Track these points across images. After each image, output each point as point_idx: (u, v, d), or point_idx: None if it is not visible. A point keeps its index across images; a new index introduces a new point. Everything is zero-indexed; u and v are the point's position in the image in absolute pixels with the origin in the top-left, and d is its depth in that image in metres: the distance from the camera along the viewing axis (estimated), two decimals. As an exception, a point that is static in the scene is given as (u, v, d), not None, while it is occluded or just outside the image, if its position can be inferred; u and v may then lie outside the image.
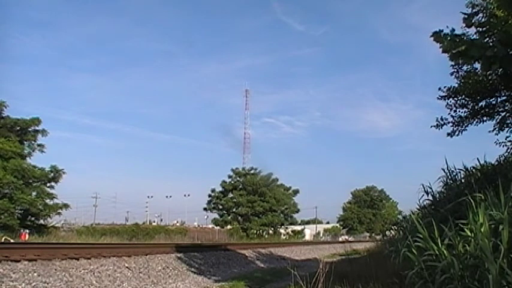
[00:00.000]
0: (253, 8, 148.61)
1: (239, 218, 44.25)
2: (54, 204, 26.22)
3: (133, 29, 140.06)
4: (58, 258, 9.68)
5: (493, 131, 9.19)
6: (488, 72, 7.92)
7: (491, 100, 8.88)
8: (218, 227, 46.92)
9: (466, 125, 9.28)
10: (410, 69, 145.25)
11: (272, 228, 46.46)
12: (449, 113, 9.39)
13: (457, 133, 9.44)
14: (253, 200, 43.53)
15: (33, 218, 25.64)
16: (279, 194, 45.51)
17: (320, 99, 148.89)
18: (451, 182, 7.68)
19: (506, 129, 9.00)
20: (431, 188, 7.57)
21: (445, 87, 9.24)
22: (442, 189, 7.88)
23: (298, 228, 57.32)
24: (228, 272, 14.39)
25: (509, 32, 6.10)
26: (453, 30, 6.42)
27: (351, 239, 57.09)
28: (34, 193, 25.46)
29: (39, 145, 27.37)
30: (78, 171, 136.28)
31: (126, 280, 10.10)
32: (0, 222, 22.50)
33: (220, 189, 45.62)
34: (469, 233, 4.40)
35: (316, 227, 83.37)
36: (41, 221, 26.31)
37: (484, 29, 6.70)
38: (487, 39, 6.63)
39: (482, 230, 4.21)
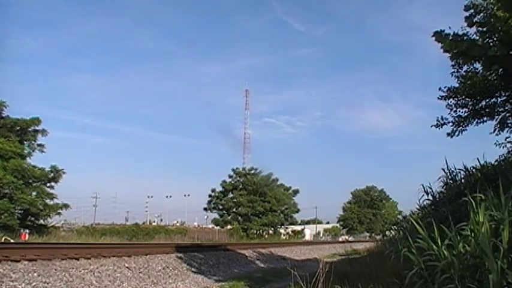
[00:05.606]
0: (253, 7, 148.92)
1: (239, 218, 44.20)
2: (54, 204, 26.22)
3: (133, 28, 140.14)
4: (58, 258, 9.68)
5: (493, 132, 9.19)
6: (488, 72, 7.94)
7: (491, 100, 8.88)
8: (218, 227, 46.85)
9: (466, 125, 9.28)
10: (410, 69, 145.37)
11: (272, 228, 46.45)
12: (449, 113, 9.41)
13: (457, 133, 9.45)
14: (253, 200, 43.50)
15: (33, 218, 25.61)
16: (279, 194, 45.47)
17: (320, 99, 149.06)
18: (451, 182, 7.68)
19: (506, 129, 9.00)
20: (431, 188, 7.59)
21: (445, 87, 9.26)
22: (442, 189, 7.89)
23: (298, 228, 57.37)
24: (228, 272, 14.38)
25: (510, 32, 6.11)
26: (456, 33, 6.43)
27: (351, 239, 57.13)
28: (34, 193, 25.44)
29: (39, 145, 27.34)
30: (78, 171, 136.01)
31: (126, 280, 10.10)
32: (0, 222, 22.48)
33: (221, 189, 45.63)
34: (469, 233, 4.40)
35: (316, 227, 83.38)
36: (41, 221, 26.30)
37: (485, 28, 6.71)
38: (488, 39, 6.64)
39: (482, 230, 4.20)
